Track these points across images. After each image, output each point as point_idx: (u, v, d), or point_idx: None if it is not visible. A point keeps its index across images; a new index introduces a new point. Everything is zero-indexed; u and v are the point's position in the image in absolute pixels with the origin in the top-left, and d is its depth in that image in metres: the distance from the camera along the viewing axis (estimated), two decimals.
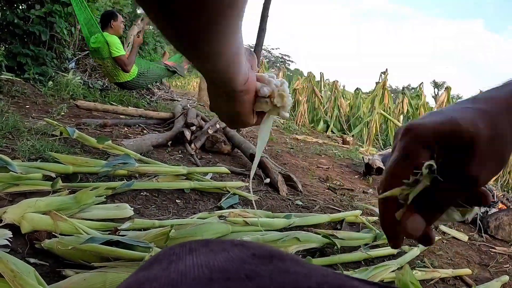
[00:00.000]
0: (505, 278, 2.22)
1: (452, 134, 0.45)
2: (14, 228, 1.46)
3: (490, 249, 2.88)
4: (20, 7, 5.25)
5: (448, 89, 9.50)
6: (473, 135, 0.44)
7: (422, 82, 10.86)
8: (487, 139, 0.45)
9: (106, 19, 5.05)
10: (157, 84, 7.92)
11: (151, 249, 1.30)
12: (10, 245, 1.37)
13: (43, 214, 1.52)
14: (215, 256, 0.40)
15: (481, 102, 0.49)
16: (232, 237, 1.67)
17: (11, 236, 1.40)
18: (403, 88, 11.15)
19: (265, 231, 1.85)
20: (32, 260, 1.34)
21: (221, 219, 1.82)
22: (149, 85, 5.66)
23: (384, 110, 10.28)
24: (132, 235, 1.52)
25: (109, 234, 1.51)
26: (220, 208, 2.20)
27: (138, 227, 1.64)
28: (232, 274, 0.36)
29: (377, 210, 3.06)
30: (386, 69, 10.29)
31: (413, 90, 11.89)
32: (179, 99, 7.19)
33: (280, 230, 1.97)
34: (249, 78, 0.66)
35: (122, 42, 5.53)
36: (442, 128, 0.46)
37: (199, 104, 7.51)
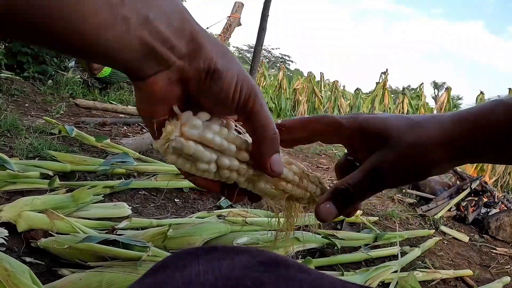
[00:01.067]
0: (507, 279, 2.21)
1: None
2: (10, 226, 1.44)
3: (491, 250, 2.87)
4: None
5: (448, 89, 9.52)
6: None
7: (423, 83, 10.88)
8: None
9: None
10: None
11: (148, 249, 1.28)
12: (6, 243, 1.36)
13: (39, 212, 1.51)
14: (221, 263, 0.40)
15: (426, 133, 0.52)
16: (232, 237, 1.66)
17: (7, 234, 1.39)
18: (403, 88, 11.15)
19: (264, 230, 1.84)
20: (28, 259, 1.32)
21: (220, 218, 1.80)
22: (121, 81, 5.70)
23: (384, 111, 10.30)
24: (130, 234, 1.50)
25: (106, 233, 1.50)
26: (220, 207, 2.18)
27: (136, 226, 1.63)
28: (238, 281, 0.36)
29: (377, 209, 3.06)
30: (387, 69, 10.33)
31: (413, 91, 11.92)
32: None
33: None
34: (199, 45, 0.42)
35: None
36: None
37: None
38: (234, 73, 0.44)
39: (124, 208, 1.80)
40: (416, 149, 0.50)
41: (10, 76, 4.56)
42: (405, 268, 2.04)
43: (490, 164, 7.62)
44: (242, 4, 8.46)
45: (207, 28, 8.04)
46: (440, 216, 3.28)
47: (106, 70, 5.13)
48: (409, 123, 0.52)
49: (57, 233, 1.42)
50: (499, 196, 3.91)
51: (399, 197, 3.68)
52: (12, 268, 1.03)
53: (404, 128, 0.52)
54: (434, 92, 54.65)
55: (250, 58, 4.81)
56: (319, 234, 1.98)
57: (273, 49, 62.82)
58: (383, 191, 3.84)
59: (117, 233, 1.51)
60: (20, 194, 1.74)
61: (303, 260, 1.67)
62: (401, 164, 0.51)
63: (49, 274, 1.28)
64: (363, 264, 1.99)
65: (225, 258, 0.41)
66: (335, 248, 1.97)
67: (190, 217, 1.86)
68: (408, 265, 2.09)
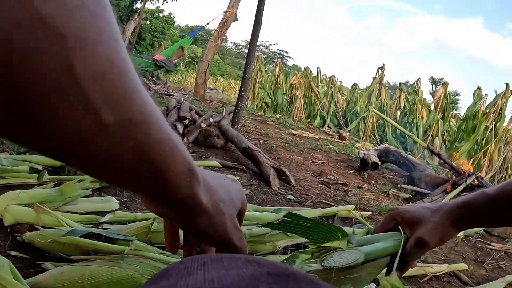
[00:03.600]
0: (510, 278, 2.17)
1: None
2: None
3: (486, 246, 2.86)
4: None
5: (445, 85, 9.51)
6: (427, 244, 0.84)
7: (419, 78, 10.86)
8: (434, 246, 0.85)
9: None
10: (153, 79, 7.96)
11: (131, 242, 1.28)
12: None
13: (26, 206, 1.51)
14: (227, 272, 0.39)
15: (440, 216, 0.86)
16: None
17: None
18: (400, 84, 11.17)
19: (253, 225, 1.83)
20: (13, 253, 1.32)
21: None
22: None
23: (381, 106, 10.31)
24: (115, 228, 1.50)
25: (92, 227, 1.49)
26: None
27: (121, 220, 1.63)
28: None
29: (371, 204, 3.05)
30: (383, 65, 10.31)
31: (410, 86, 11.94)
32: (175, 94, 7.17)
33: None
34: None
35: None
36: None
37: (195, 99, 7.50)
38: (219, 236, 0.55)
39: (112, 202, 1.80)
40: (440, 224, 0.84)
41: None
42: None
43: (487, 160, 7.63)
44: None
45: (207, 24, 8.03)
46: None
47: None
48: (431, 211, 0.87)
49: (43, 227, 1.41)
50: None
51: (394, 192, 3.68)
52: None
53: (429, 214, 0.86)
54: (432, 88, 54.74)
55: None
56: None
57: (271, 44, 62.92)
58: (377, 187, 3.84)
59: (103, 227, 1.50)
60: (9, 188, 1.74)
61: (291, 254, 1.66)
62: (434, 233, 0.84)
63: (34, 267, 1.28)
64: None
65: (232, 267, 0.40)
66: None
67: None
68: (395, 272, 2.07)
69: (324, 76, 12.09)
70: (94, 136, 0.31)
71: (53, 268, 1.21)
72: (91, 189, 1.88)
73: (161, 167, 0.40)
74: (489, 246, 2.86)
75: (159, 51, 6.47)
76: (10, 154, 2.11)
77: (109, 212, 1.71)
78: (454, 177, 3.95)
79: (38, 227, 1.40)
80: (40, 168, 1.98)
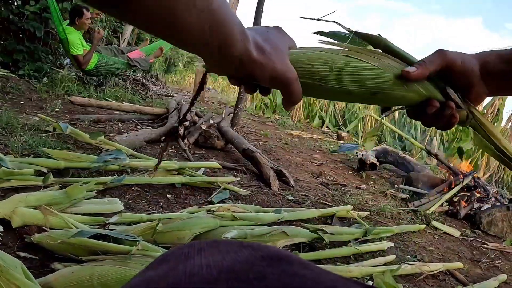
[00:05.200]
0: (503, 277, 2.20)
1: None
2: (5, 222, 1.47)
3: (482, 245, 2.89)
4: (15, 3, 5.25)
5: None
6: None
7: None
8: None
9: (72, 15, 5.12)
10: (152, 79, 7.97)
11: (138, 243, 1.31)
12: (0, 239, 1.39)
13: (33, 208, 1.54)
14: (223, 257, 0.40)
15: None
16: (220, 231, 1.68)
17: (2, 230, 1.41)
18: None
19: (253, 225, 1.86)
20: (22, 254, 1.36)
21: (209, 213, 1.83)
22: (105, 74, 5.78)
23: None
24: (121, 229, 1.53)
25: (98, 228, 1.52)
26: (211, 202, 2.20)
27: (127, 221, 1.66)
28: (240, 275, 0.36)
29: (369, 204, 3.09)
30: None
31: None
32: (174, 95, 7.18)
33: (269, 224, 1.97)
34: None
35: (89, 37, 5.77)
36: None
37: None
38: (269, 77, 0.64)
39: (116, 204, 1.82)
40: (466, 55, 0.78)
41: (5, 74, 4.57)
42: (394, 262, 2.06)
43: (484, 160, 7.64)
44: (238, 0, 8.44)
45: None
46: (432, 211, 3.29)
47: (91, 64, 5.18)
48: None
49: (50, 228, 1.44)
50: (494, 191, 3.92)
51: (392, 192, 3.70)
52: (5, 263, 1.06)
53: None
54: None
55: None
56: (308, 229, 1.99)
57: None
58: (376, 187, 3.87)
59: (109, 228, 1.54)
60: (15, 191, 1.77)
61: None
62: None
63: (43, 268, 1.31)
64: (352, 258, 2.02)
65: (228, 252, 0.42)
66: (324, 242, 1.99)
67: (180, 212, 1.89)
68: (397, 259, 2.11)
69: None
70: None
71: (62, 268, 1.24)
72: (96, 191, 1.91)
73: (221, 29, 0.55)
74: (485, 246, 2.88)
75: (142, 45, 6.65)
76: (15, 156, 2.13)
77: (113, 213, 1.74)
78: (451, 177, 3.98)
79: (45, 228, 1.43)
80: (44, 170, 2.00)
